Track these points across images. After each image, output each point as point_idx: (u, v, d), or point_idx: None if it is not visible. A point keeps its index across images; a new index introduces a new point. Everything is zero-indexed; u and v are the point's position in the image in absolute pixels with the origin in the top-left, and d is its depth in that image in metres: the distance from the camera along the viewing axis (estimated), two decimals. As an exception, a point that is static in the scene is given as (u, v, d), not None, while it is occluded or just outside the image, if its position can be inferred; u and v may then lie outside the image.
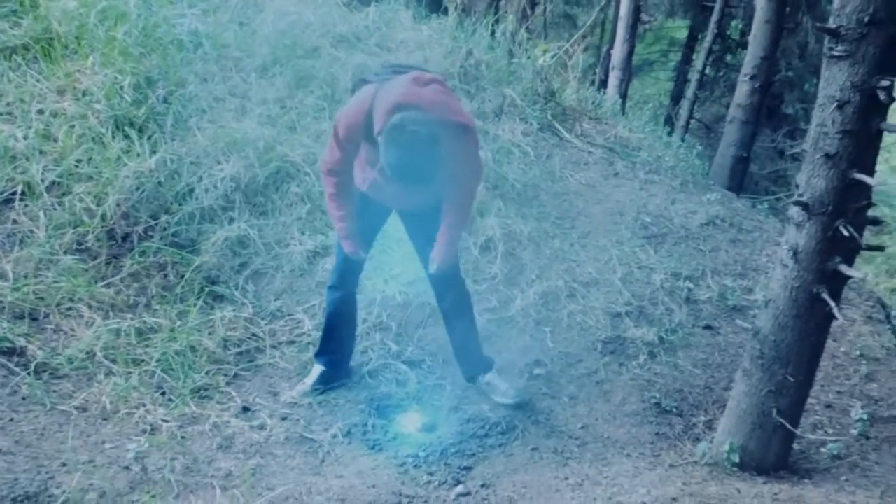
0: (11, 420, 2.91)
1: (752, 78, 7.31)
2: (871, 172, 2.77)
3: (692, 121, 13.27)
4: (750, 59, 7.35)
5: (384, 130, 2.71)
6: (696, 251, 4.81)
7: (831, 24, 2.67)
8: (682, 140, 8.66)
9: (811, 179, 2.82)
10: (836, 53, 2.67)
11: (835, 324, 4.31)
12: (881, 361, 4.14)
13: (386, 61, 5.61)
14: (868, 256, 11.16)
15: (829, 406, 3.78)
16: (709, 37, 11.85)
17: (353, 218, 3.20)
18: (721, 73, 14.21)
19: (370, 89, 2.91)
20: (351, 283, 3.48)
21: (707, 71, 13.66)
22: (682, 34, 17.97)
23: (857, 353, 4.17)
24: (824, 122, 2.74)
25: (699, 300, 4.41)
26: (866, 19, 2.58)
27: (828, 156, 2.75)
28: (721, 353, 4.07)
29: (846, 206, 2.79)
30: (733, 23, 13.89)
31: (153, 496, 2.56)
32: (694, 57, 14.29)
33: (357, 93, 3.04)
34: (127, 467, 2.75)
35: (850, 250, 2.89)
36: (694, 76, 12.48)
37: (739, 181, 7.77)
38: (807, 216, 2.86)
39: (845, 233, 2.78)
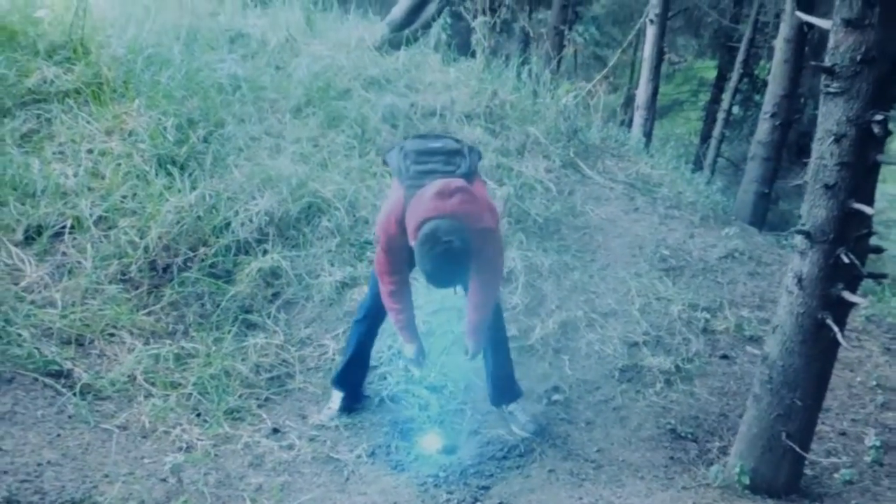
0: (59, 436, 3.11)
1: (773, 116, 7.44)
2: (869, 202, 2.90)
3: (720, 159, 13.39)
4: (770, 97, 7.49)
5: (416, 244, 2.91)
6: (713, 283, 4.92)
7: (827, 62, 2.83)
8: (710, 178, 8.79)
9: (812, 209, 2.96)
10: (832, 90, 2.83)
11: (851, 354, 4.42)
12: (898, 392, 4.19)
13: (415, 106, 5.85)
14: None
15: (843, 433, 3.85)
16: (734, 76, 12.02)
17: (411, 311, 3.41)
18: (749, 113, 14.32)
19: (399, 196, 3.09)
20: (379, 318, 3.63)
21: (734, 110, 13.80)
22: (711, 74, 18.14)
23: (874, 383, 4.23)
24: (823, 155, 2.89)
25: (716, 331, 4.52)
26: (859, 58, 2.73)
27: (827, 187, 2.89)
28: (737, 381, 4.16)
29: (846, 235, 2.92)
30: (761, 63, 14.07)
31: (190, 499, 2.73)
32: (722, 97, 14.42)
33: (388, 198, 3.25)
34: (164, 479, 2.93)
35: (853, 277, 3.01)
36: (721, 115, 12.62)
37: (762, 216, 7.84)
38: (809, 244, 2.99)
39: (846, 260, 2.91)
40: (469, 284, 3.27)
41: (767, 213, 8.26)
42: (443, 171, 3.10)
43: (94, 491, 2.67)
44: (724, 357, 4.33)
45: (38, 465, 2.80)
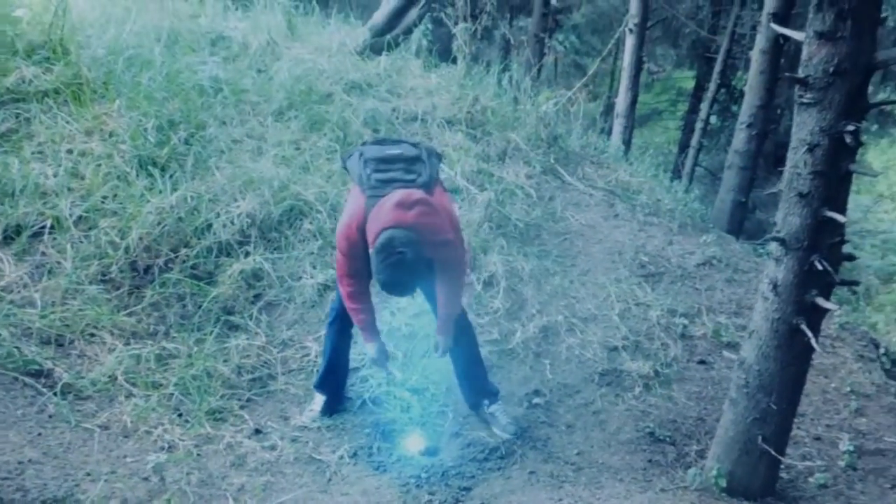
0: (39, 434, 3.10)
1: (749, 126, 7.57)
2: (842, 211, 2.97)
3: (697, 168, 13.56)
4: (746, 107, 7.62)
5: (373, 252, 2.98)
6: (692, 290, 5.00)
7: (801, 73, 2.90)
8: (688, 186, 8.91)
9: (787, 217, 3.03)
10: (805, 101, 2.90)
11: (826, 361, 4.51)
12: (871, 397, 4.28)
13: (396, 111, 5.90)
14: (878, 305, 11.29)
15: (818, 438, 3.92)
16: (712, 87, 12.19)
17: (371, 311, 3.46)
18: (726, 123, 14.52)
19: (360, 202, 3.14)
20: (349, 319, 3.61)
21: (712, 120, 13.99)
22: (690, 84, 18.37)
23: (848, 389, 4.32)
24: (797, 164, 2.96)
25: (694, 336, 4.59)
26: (832, 69, 2.81)
27: (801, 195, 2.96)
28: (714, 386, 4.23)
29: (820, 243, 2.99)
30: (738, 73, 14.28)
31: (172, 498, 2.74)
32: (700, 107, 14.62)
33: (349, 202, 3.28)
34: (146, 478, 2.93)
35: (826, 284, 3.08)
36: (698, 125, 12.79)
37: (739, 225, 7.97)
38: (784, 251, 3.05)
39: (820, 267, 2.98)
40: (436, 284, 3.34)
41: (744, 222, 8.39)
42: (403, 179, 3.15)
43: (76, 489, 2.67)
44: (702, 362, 4.40)
45: (20, 463, 2.79)
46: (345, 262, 3.29)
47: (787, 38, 6.38)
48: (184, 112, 5.06)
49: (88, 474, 2.85)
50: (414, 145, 3.34)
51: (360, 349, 3.90)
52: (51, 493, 2.60)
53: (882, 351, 4.68)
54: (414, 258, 2.94)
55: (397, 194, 3.05)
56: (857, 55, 2.81)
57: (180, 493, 2.84)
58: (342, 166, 3.43)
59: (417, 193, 3.08)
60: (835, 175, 2.93)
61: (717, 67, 11.68)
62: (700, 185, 12.37)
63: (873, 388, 4.32)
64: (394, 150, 3.25)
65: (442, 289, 3.36)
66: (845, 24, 2.80)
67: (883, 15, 2.94)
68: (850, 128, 2.84)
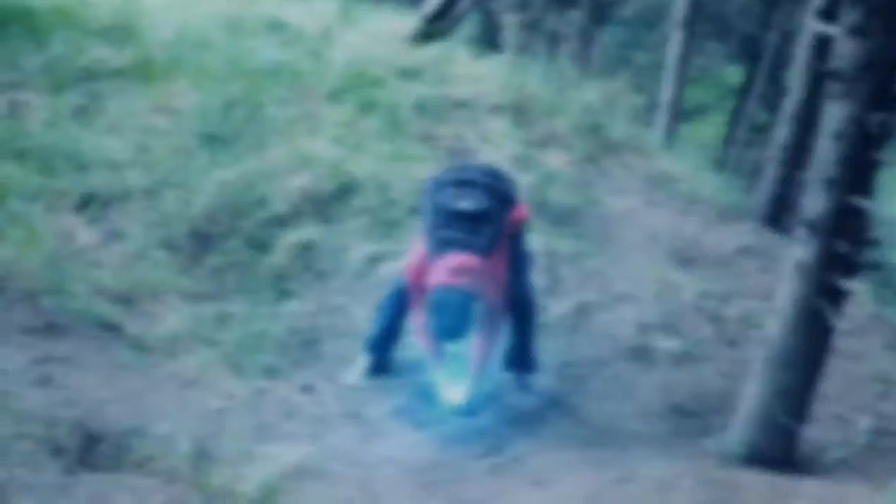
0: (113, 379, 3.41)
1: (792, 119, 7.60)
2: (867, 198, 3.13)
3: (744, 162, 13.54)
4: (791, 101, 7.62)
5: (426, 303, 3.41)
6: (725, 275, 5.15)
7: (831, 66, 3.06)
8: (731, 179, 8.97)
9: (813, 202, 3.19)
10: (834, 93, 3.06)
11: (854, 347, 4.64)
12: (894, 383, 4.40)
13: (444, 97, 6.10)
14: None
15: (839, 417, 4.07)
16: (760, 82, 12.18)
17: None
18: (773, 118, 14.45)
19: (422, 253, 3.55)
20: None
21: (760, 116, 13.95)
22: (738, 80, 18.25)
23: (872, 373, 4.44)
24: (825, 152, 3.12)
25: (725, 318, 4.74)
26: (861, 63, 2.97)
27: (827, 181, 3.12)
28: (742, 366, 4.35)
29: (844, 227, 3.15)
30: (787, 70, 14.20)
31: (231, 439, 3.04)
32: (748, 102, 14.56)
33: (415, 245, 3.71)
34: (209, 420, 3.24)
35: (849, 267, 3.24)
36: (745, 120, 12.79)
37: (778, 216, 8.00)
38: (809, 235, 3.22)
39: (842, 251, 3.14)
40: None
41: (783, 214, 8.42)
42: (464, 242, 3.43)
43: (149, 425, 2.97)
44: (731, 343, 4.57)
45: (99, 401, 3.11)
46: (413, 296, 3.69)
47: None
48: (244, 92, 5.35)
49: (159, 414, 3.16)
50: (490, 191, 3.55)
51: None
52: (128, 427, 2.90)
53: (911, 339, 4.79)
54: (458, 322, 3.37)
55: (455, 260, 3.39)
56: (886, 49, 2.97)
57: (240, 433, 3.13)
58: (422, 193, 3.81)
59: (472, 262, 3.41)
60: (861, 163, 3.10)
61: (766, 63, 11.64)
62: (745, 180, 12.36)
63: (899, 374, 4.44)
64: (464, 204, 3.47)
65: (478, 338, 3.71)
66: (875, 21, 2.96)
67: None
68: (878, 119, 3.00)
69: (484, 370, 3.81)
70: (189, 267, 4.45)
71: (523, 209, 3.83)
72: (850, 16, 3.02)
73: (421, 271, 3.55)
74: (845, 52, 3.02)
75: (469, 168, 4.01)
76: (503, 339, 3.90)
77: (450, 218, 3.47)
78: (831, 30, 3.24)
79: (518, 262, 3.82)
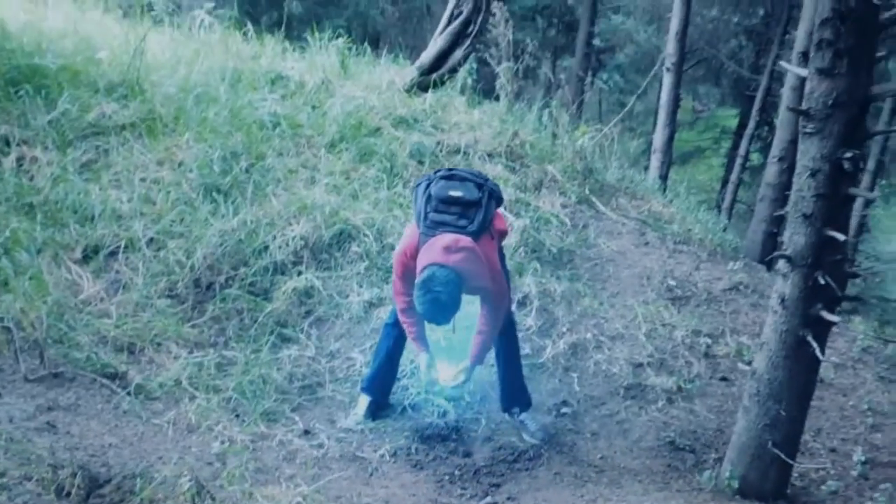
0: (116, 426, 3.50)
1: (781, 160, 7.78)
2: (844, 231, 3.24)
3: (738, 203, 13.71)
4: (778, 142, 7.84)
5: (416, 283, 3.41)
6: (717, 313, 5.24)
7: (804, 106, 3.20)
8: (722, 219, 9.11)
9: (793, 236, 3.30)
10: (808, 130, 3.19)
11: (846, 381, 4.71)
12: (887, 415, 4.45)
13: (440, 144, 6.28)
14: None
15: (833, 450, 4.12)
16: (751, 124, 12.41)
17: (421, 325, 3.86)
18: (766, 159, 14.68)
19: (415, 236, 3.59)
20: None
21: (753, 157, 14.15)
22: (733, 122, 18.55)
23: (866, 406, 4.49)
24: (801, 188, 3.24)
25: (717, 355, 4.82)
26: (831, 102, 3.10)
27: (805, 216, 3.23)
28: (735, 401, 4.44)
29: (823, 260, 3.25)
30: (777, 111, 14.45)
31: (232, 482, 3.10)
32: (741, 143, 14.81)
33: (406, 233, 3.76)
34: (210, 463, 3.30)
35: (831, 299, 3.33)
36: (738, 161, 12.99)
37: (770, 255, 8.12)
38: (790, 268, 3.32)
39: (823, 282, 3.24)
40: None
41: (775, 252, 8.53)
42: (455, 225, 3.53)
43: (151, 468, 3.03)
44: (724, 379, 4.63)
45: (102, 446, 3.19)
46: (399, 283, 3.74)
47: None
48: (245, 144, 5.52)
49: (160, 458, 3.23)
50: (479, 186, 3.67)
51: (402, 359, 4.23)
52: (130, 470, 2.97)
53: (901, 371, 4.85)
54: (448, 299, 3.35)
55: (447, 237, 3.46)
56: (853, 90, 3.11)
57: (240, 476, 3.19)
58: (412, 190, 3.86)
59: (465, 240, 3.47)
60: (835, 197, 3.21)
61: (757, 105, 11.89)
62: (739, 220, 12.51)
63: (891, 406, 4.49)
64: (456, 192, 3.59)
65: (482, 320, 3.76)
66: (842, 62, 3.10)
67: (880, 54, 3.24)
68: (849, 155, 3.13)
69: (482, 359, 3.88)
70: (191, 315, 4.55)
71: (503, 221, 3.93)
72: (819, 58, 3.16)
73: (412, 254, 3.56)
74: (816, 91, 3.16)
75: (459, 168, 4.10)
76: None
77: (441, 204, 3.58)
78: (803, 71, 3.38)
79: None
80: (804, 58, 7.14)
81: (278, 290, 4.74)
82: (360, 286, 4.88)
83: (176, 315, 4.52)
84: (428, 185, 3.65)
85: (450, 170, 3.79)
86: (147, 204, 5.03)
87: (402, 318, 3.87)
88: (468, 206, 3.58)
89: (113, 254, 4.74)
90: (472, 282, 3.46)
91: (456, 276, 3.36)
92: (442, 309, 3.38)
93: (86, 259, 4.70)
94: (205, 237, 4.80)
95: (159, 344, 4.34)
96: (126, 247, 4.75)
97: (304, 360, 4.43)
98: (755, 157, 14.86)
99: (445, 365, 3.95)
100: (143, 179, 5.17)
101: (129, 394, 3.84)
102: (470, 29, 7.93)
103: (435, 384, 4.03)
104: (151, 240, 4.83)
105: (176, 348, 4.34)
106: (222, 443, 3.63)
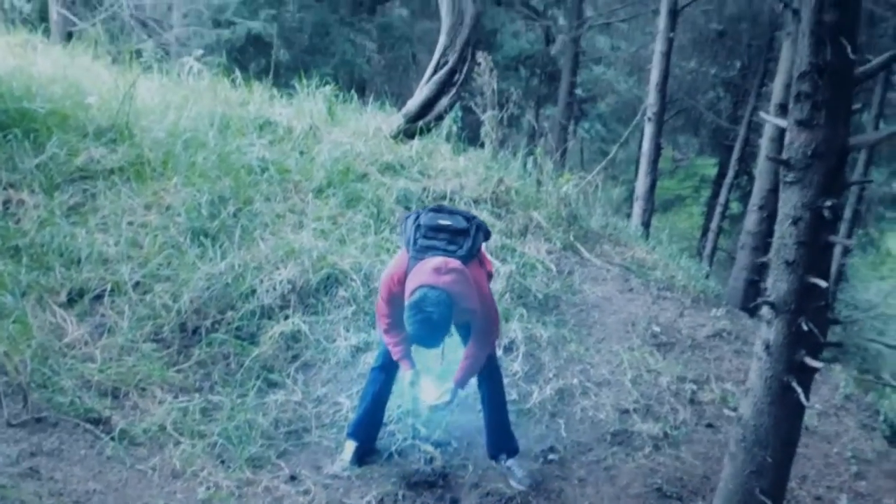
0: (100, 472, 3.46)
1: (760, 208, 7.94)
2: (825, 278, 3.30)
3: (719, 251, 13.88)
4: (757, 191, 8.01)
5: (406, 305, 3.42)
6: (701, 359, 5.28)
7: (784, 156, 3.29)
8: (704, 267, 9.23)
9: (776, 283, 3.36)
10: (788, 180, 3.27)
11: (830, 429, 4.74)
12: (871, 462, 4.49)
13: (427, 190, 6.35)
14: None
15: (818, 498, 4.14)
16: (730, 173, 12.64)
17: (406, 344, 3.86)
18: (746, 207, 14.92)
19: (404, 259, 3.64)
20: (394, 367, 4.02)
21: (733, 205, 14.38)
22: (712, 171, 18.87)
23: (850, 454, 4.53)
24: (783, 236, 3.31)
25: (702, 401, 4.85)
26: (811, 152, 3.19)
27: (787, 263, 3.29)
28: (721, 448, 4.45)
29: (806, 306, 3.31)
30: (756, 160, 14.76)
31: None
32: (721, 192, 15.07)
33: (395, 258, 3.82)
34: (196, 510, 3.26)
35: (814, 345, 3.38)
36: (718, 209, 13.20)
37: (752, 302, 8.23)
38: (774, 314, 3.37)
39: (806, 329, 3.29)
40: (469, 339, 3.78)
41: (757, 299, 8.63)
42: (444, 249, 3.57)
43: (135, 514, 3.00)
44: (710, 426, 4.65)
45: (86, 492, 3.15)
46: (384, 306, 3.78)
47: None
48: (233, 189, 5.56)
49: (146, 503, 3.19)
50: (468, 219, 3.74)
51: (389, 405, 4.22)
52: (114, 516, 2.94)
53: (882, 419, 4.89)
54: (439, 320, 3.34)
55: (437, 260, 3.49)
56: (832, 140, 3.20)
57: (225, 523, 3.16)
58: (398, 224, 3.90)
59: (454, 262, 3.50)
60: (816, 245, 3.28)
61: (736, 154, 12.13)
62: (720, 268, 12.66)
63: (874, 453, 4.53)
64: (445, 221, 3.66)
65: (471, 345, 3.79)
66: (820, 114, 3.20)
67: (856, 106, 3.35)
68: (828, 204, 3.21)
69: (465, 383, 3.87)
70: (176, 360, 4.52)
71: (489, 263, 4.01)
72: (798, 109, 3.26)
73: (400, 278, 3.59)
74: (796, 142, 3.25)
75: (447, 205, 4.13)
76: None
77: (431, 231, 3.63)
78: (783, 122, 3.47)
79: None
80: (782, 109, 7.33)
81: (265, 334, 4.73)
82: (348, 330, 4.88)
83: (161, 359, 4.49)
84: (417, 217, 3.72)
85: (438, 205, 3.85)
86: (134, 247, 5.03)
87: (386, 339, 3.88)
88: (457, 233, 3.65)
89: (98, 297, 4.72)
90: (462, 303, 3.46)
91: (447, 296, 3.37)
92: (433, 330, 3.38)
93: (71, 302, 4.68)
94: (192, 281, 4.80)
95: (144, 388, 4.31)
96: (112, 290, 4.73)
97: (290, 405, 4.40)
98: (735, 206, 15.11)
99: (430, 384, 3.93)
100: (130, 223, 5.17)
101: (113, 439, 3.80)
102: (456, 78, 8.07)
103: (417, 401, 4.00)
104: (138, 283, 4.82)
105: (161, 393, 4.31)
106: (207, 489, 3.59)
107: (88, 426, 3.86)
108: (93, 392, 4.13)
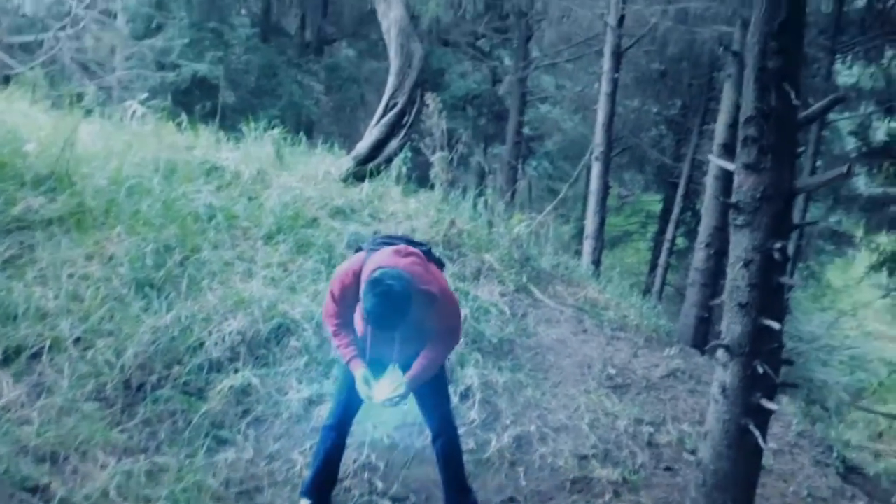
0: (37, 545, 3.25)
1: (707, 245, 8.09)
2: (778, 319, 3.33)
3: (666, 287, 14.08)
4: (704, 229, 8.16)
5: (364, 285, 3.35)
6: (657, 400, 5.28)
7: (733, 199, 3.33)
8: (656, 304, 9.34)
9: (730, 326, 3.38)
10: (738, 223, 3.31)
11: (786, 467, 4.77)
12: (827, 501, 4.53)
13: (378, 231, 6.30)
14: (850, 422, 11.55)
15: (778, 538, 4.13)
16: (676, 210, 12.88)
17: (354, 344, 3.74)
18: (692, 243, 15.21)
19: (361, 255, 3.64)
20: (347, 424, 3.90)
21: (679, 241, 14.63)
22: (658, 207, 19.23)
23: (806, 492, 4.56)
24: (736, 278, 3.34)
25: (660, 444, 4.83)
26: (759, 195, 3.24)
27: (741, 305, 3.32)
28: (680, 492, 4.43)
29: (760, 348, 3.33)
30: (701, 197, 15.11)
31: None
32: (668, 228, 15.33)
33: (349, 259, 3.77)
34: (141, 583, 3.08)
35: (769, 387, 3.40)
36: (665, 245, 13.42)
37: (702, 338, 8.34)
38: (729, 357, 3.38)
39: (761, 371, 3.30)
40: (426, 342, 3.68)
41: (707, 335, 8.78)
42: (406, 241, 3.67)
43: (75, 592, 2.81)
44: (668, 469, 4.63)
45: (21, 570, 2.94)
46: (333, 306, 3.69)
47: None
48: (179, 237, 5.41)
49: (86, 579, 3.00)
50: (420, 245, 3.78)
51: (344, 460, 4.09)
52: None
53: (835, 455, 4.94)
54: (400, 292, 3.27)
55: (396, 246, 3.54)
56: (779, 183, 3.25)
57: None
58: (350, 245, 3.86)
59: (415, 250, 3.56)
60: (768, 287, 3.31)
61: (681, 192, 12.38)
62: (669, 303, 12.83)
63: (829, 490, 4.57)
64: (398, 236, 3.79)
65: (432, 344, 3.67)
66: (767, 158, 3.25)
67: (799, 149, 3.42)
68: (778, 245, 3.25)
69: (420, 380, 3.69)
70: (120, 419, 4.33)
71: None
72: (745, 153, 3.31)
73: (357, 271, 3.53)
74: (744, 185, 3.30)
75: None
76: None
77: (390, 237, 3.77)
78: (729, 165, 3.53)
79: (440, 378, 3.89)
80: (725, 150, 7.52)
81: (214, 389, 4.56)
82: (300, 382, 4.75)
83: (104, 419, 4.28)
84: (374, 234, 3.76)
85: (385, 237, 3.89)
86: (74, 301, 4.83)
87: (335, 343, 3.78)
88: (415, 242, 3.75)
89: (36, 355, 4.51)
90: (421, 285, 3.40)
91: (408, 274, 3.35)
92: (393, 305, 3.26)
93: (6, 361, 4.44)
94: (136, 335, 4.62)
95: (85, 452, 4.09)
96: (51, 347, 4.52)
97: (241, 463, 4.24)
98: (681, 241, 15.39)
99: (383, 382, 3.74)
100: (70, 275, 4.98)
101: (51, 508, 3.59)
102: (405, 119, 8.09)
103: (371, 399, 3.82)
104: (78, 339, 4.61)
105: (103, 456, 4.09)
106: (153, 558, 3.41)
107: (25, 495, 3.62)
108: (30, 458, 3.90)
